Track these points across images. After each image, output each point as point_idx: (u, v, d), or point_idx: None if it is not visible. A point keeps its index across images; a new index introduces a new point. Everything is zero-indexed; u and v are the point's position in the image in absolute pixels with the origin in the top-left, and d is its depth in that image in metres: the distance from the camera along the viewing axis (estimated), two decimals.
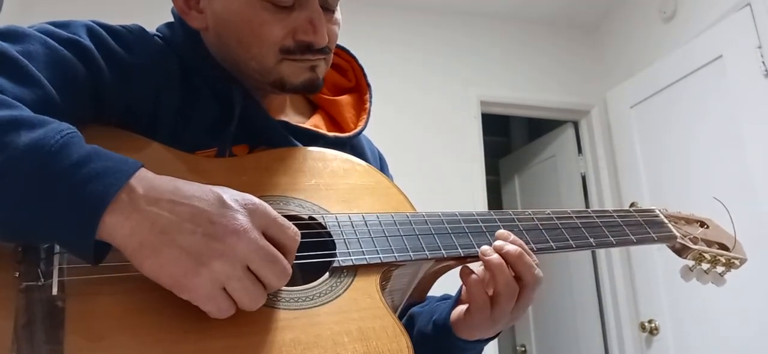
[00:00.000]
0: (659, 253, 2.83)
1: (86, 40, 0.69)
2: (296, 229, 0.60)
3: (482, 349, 0.84)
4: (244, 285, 0.55)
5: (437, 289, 0.88)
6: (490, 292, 0.74)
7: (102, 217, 0.51)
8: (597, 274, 3.40)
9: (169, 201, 0.54)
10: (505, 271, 0.72)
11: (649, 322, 2.88)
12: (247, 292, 0.55)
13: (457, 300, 0.82)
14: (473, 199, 3.13)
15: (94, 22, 0.73)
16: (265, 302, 0.60)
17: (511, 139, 4.71)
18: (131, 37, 0.75)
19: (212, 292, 0.53)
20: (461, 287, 0.83)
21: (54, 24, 0.70)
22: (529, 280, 0.74)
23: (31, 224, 0.52)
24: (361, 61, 0.97)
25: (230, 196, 0.57)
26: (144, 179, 0.54)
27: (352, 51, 0.98)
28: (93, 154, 0.54)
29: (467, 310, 0.77)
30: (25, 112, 0.55)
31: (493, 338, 0.81)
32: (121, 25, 0.76)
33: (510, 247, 0.73)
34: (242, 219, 0.55)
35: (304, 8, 0.76)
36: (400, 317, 0.86)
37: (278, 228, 0.58)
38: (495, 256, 0.73)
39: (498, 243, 0.74)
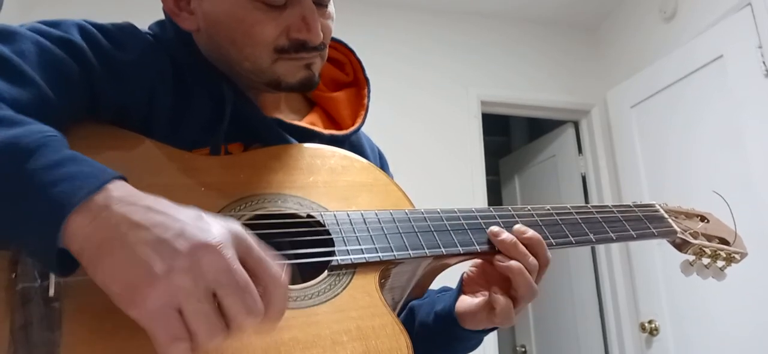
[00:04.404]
0: (659, 253, 2.83)
1: (78, 39, 0.69)
2: (281, 272, 0.51)
3: (481, 340, 0.86)
4: (203, 308, 0.46)
5: (437, 285, 0.88)
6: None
7: (67, 220, 0.47)
8: (597, 274, 3.40)
9: (144, 207, 0.49)
10: (525, 274, 0.74)
11: (649, 322, 2.87)
12: (205, 317, 0.46)
13: (460, 291, 0.83)
14: (473, 198, 3.13)
15: (85, 21, 0.73)
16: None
17: (511, 139, 4.71)
18: (123, 35, 0.75)
19: (164, 309, 0.45)
20: (461, 279, 0.85)
21: (45, 23, 0.69)
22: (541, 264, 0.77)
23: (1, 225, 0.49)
24: (359, 57, 0.96)
25: (211, 216, 0.51)
26: (122, 187, 0.50)
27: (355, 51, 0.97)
28: (70, 158, 0.51)
29: (484, 310, 0.78)
30: (6, 111, 0.54)
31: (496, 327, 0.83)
32: (111, 23, 0.76)
33: (532, 233, 0.77)
34: (217, 233, 0.48)
35: (297, 5, 0.75)
36: (400, 314, 0.86)
37: (258, 262, 0.50)
38: (516, 255, 0.75)
39: (518, 227, 0.77)
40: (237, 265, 0.48)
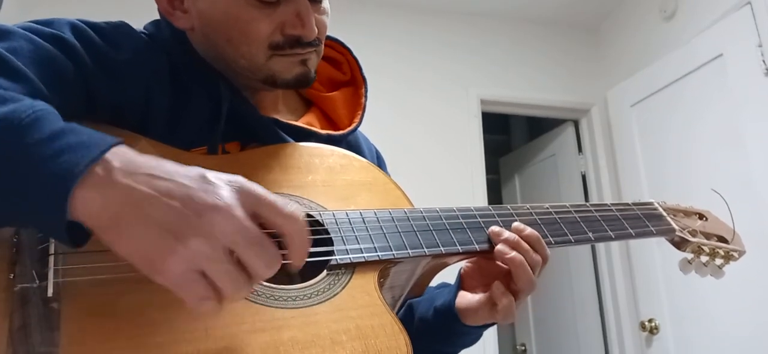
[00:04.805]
0: (659, 252, 2.83)
1: (70, 37, 0.69)
2: (296, 207, 0.53)
3: (481, 334, 0.86)
4: (225, 268, 0.48)
5: (435, 283, 0.88)
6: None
7: (72, 192, 0.47)
8: (597, 273, 3.39)
9: (146, 175, 0.49)
10: (526, 267, 0.75)
11: (649, 321, 2.87)
12: (228, 275, 0.49)
13: (459, 287, 0.84)
14: (473, 198, 3.13)
15: (78, 20, 0.73)
16: (262, 302, 0.60)
17: (511, 138, 4.71)
18: (117, 34, 0.75)
19: (187, 274, 0.48)
20: (459, 275, 0.85)
21: (38, 22, 0.69)
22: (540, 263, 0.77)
23: (1, 202, 0.49)
24: (355, 56, 0.96)
25: (214, 174, 0.52)
26: (122, 154, 0.51)
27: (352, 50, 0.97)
28: (67, 130, 0.51)
29: (485, 306, 0.79)
30: None
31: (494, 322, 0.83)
32: (105, 22, 0.76)
33: (530, 230, 0.77)
34: (225, 194, 0.50)
35: (291, 2, 0.75)
36: (399, 313, 0.86)
37: (270, 208, 0.52)
38: (518, 251, 0.75)
39: (516, 225, 0.78)
40: (248, 223, 0.50)
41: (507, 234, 0.76)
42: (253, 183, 0.53)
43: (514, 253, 0.75)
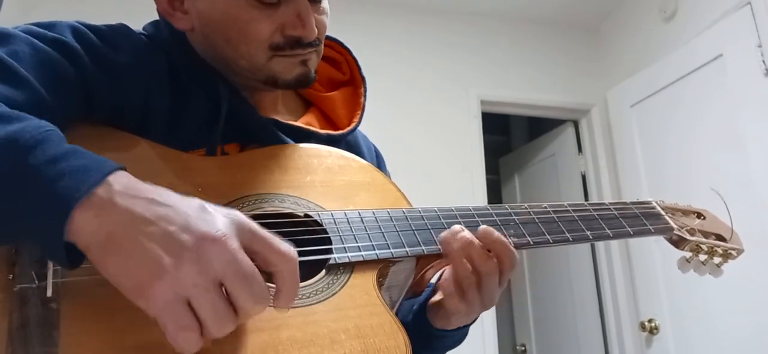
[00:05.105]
0: (659, 252, 2.83)
1: (71, 40, 0.69)
2: (291, 249, 0.53)
3: (463, 335, 0.84)
4: (211, 300, 0.47)
5: None
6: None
7: (72, 214, 0.48)
8: (597, 273, 3.39)
9: (145, 199, 0.50)
10: (466, 261, 0.72)
11: (649, 321, 2.87)
12: (214, 309, 0.48)
13: (433, 290, 0.82)
14: (473, 198, 3.13)
15: (78, 22, 0.73)
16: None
17: (511, 138, 4.70)
18: (116, 35, 0.75)
19: (173, 301, 0.47)
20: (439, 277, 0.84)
21: (38, 25, 0.70)
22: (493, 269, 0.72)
23: (2, 221, 0.50)
24: (355, 55, 0.96)
25: (213, 206, 0.52)
26: (123, 178, 0.51)
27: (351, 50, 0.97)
28: (70, 152, 0.51)
29: (440, 300, 0.77)
30: (2, 108, 0.54)
31: (469, 325, 0.81)
32: (105, 25, 0.76)
33: (497, 236, 0.72)
34: (221, 225, 0.50)
35: (291, 2, 0.76)
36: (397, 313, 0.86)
37: (264, 244, 0.51)
38: (469, 255, 0.71)
39: (484, 228, 0.73)
40: (241, 256, 0.49)
41: (461, 236, 0.71)
42: (249, 219, 0.53)
43: (453, 244, 0.71)
